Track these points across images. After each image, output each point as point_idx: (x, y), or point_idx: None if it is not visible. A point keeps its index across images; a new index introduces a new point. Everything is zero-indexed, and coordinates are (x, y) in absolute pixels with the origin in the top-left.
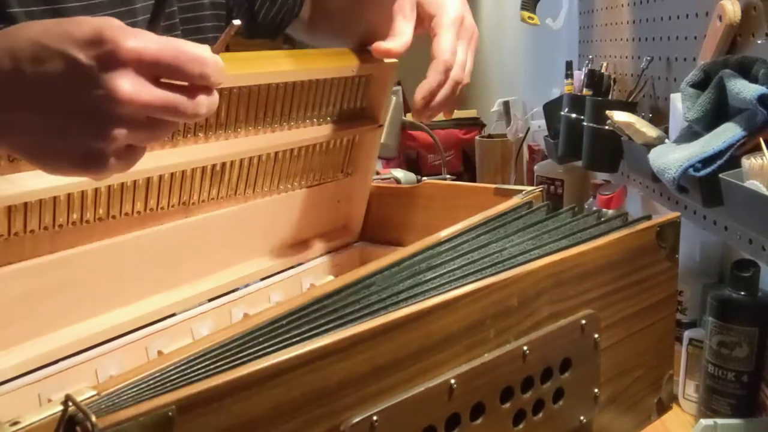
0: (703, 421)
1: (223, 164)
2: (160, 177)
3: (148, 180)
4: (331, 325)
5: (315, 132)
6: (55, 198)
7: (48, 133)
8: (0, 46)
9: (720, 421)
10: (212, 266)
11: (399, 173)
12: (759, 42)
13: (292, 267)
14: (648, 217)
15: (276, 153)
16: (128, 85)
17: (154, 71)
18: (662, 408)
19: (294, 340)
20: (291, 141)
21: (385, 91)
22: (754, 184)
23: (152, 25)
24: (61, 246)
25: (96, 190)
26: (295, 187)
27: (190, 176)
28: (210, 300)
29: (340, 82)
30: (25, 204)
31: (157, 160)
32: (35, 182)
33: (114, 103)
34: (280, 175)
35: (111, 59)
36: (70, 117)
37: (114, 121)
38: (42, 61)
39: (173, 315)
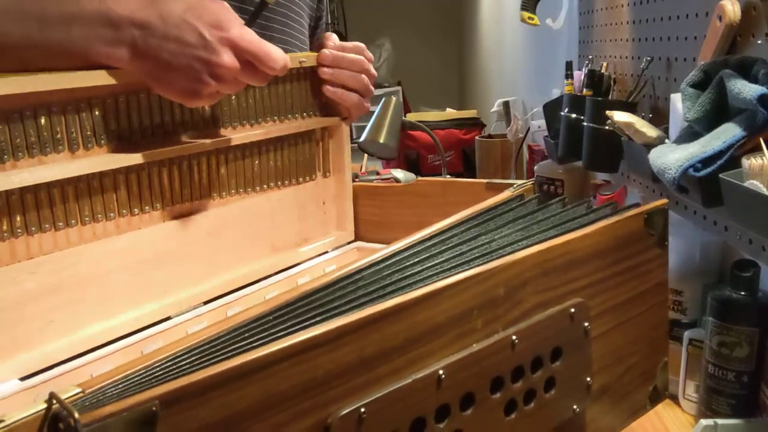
0: (703, 422)
1: (191, 163)
2: (145, 175)
3: (128, 181)
4: (317, 319)
5: (274, 128)
6: (46, 195)
7: (170, 70)
8: (155, 11)
9: (720, 421)
10: (208, 269)
11: (399, 173)
12: (759, 42)
13: (288, 268)
14: (636, 205)
15: (243, 151)
16: (228, 57)
17: (243, 54)
18: (657, 397)
19: (280, 334)
20: (250, 135)
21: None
22: (754, 184)
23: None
24: (53, 248)
25: (64, 191)
26: (273, 188)
27: (169, 174)
28: (206, 302)
29: (293, 77)
30: (8, 201)
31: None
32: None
33: (215, 65)
34: (253, 175)
35: (223, 39)
36: (188, 65)
37: (212, 75)
38: (181, 28)
39: (169, 318)
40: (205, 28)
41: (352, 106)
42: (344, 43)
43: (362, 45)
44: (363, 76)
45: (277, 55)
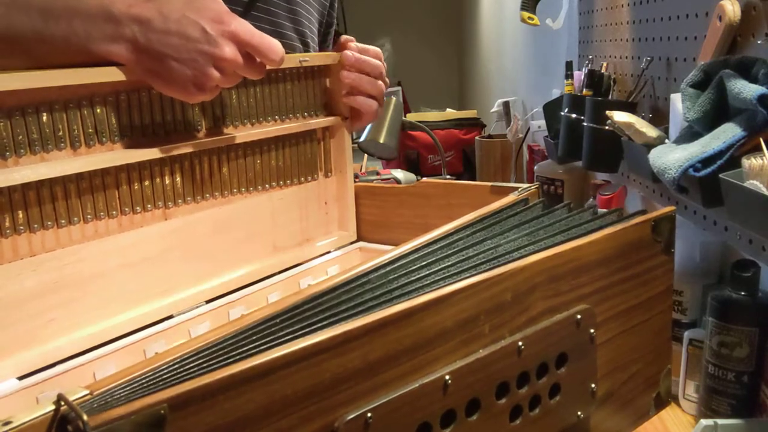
0: (704, 422)
1: (192, 162)
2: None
3: (130, 180)
4: (324, 323)
5: (276, 127)
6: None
7: (172, 65)
8: (155, 7)
9: (720, 421)
10: (209, 268)
11: (399, 174)
12: (759, 42)
13: (290, 268)
14: (643, 212)
15: (245, 150)
16: (230, 49)
17: (244, 47)
18: (660, 403)
19: (287, 338)
20: (252, 134)
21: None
22: (754, 184)
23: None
24: (55, 246)
25: (66, 188)
26: (275, 187)
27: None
28: (208, 302)
29: (294, 76)
30: (10, 198)
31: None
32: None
33: (219, 59)
34: (255, 174)
35: (225, 32)
36: (191, 59)
37: (216, 68)
38: (182, 23)
39: (171, 317)
40: (206, 22)
41: (371, 114)
42: (366, 47)
43: (380, 50)
44: (380, 82)
45: (276, 47)
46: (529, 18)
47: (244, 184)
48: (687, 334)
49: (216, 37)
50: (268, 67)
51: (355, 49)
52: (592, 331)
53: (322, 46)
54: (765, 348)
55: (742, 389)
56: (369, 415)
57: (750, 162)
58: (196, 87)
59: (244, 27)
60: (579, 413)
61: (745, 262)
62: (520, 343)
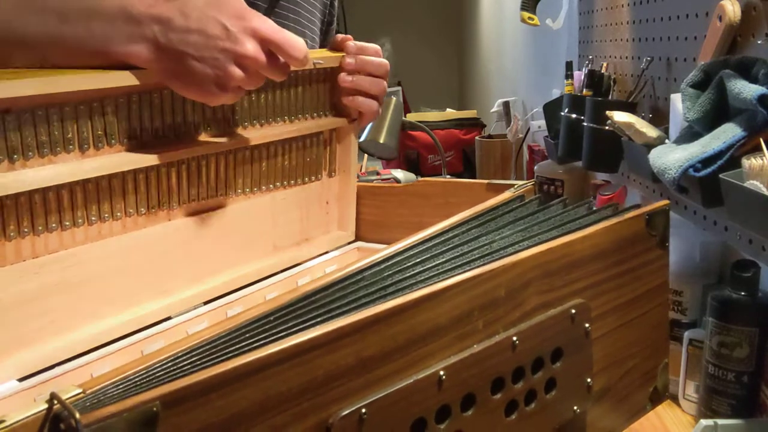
0: (704, 422)
1: (200, 164)
2: (146, 176)
3: (135, 179)
4: (318, 320)
5: (285, 129)
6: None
7: (193, 64)
8: (175, 6)
9: (720, 421)
10: (209, 269)
11: (399, 174)
12: (759, 42)
13: (288, 268)
14: (637, 206)
15: (252, 152)
16: (252, 46)
17: (267, 44)
18: (657, 398)
19: (281, 335)
20: (262, 137)
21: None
22: (754, 184)
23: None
24: (58, 248)
25: (73, 191)
26: (278, 188)
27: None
28: (206, 302)
29: (305, 78)
30: (17, 201)
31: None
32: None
33: (241, 56)
34: (260, 175)
35: (246, 29)
36: (212, 57)
37: (238, 66)
38: (202, 21)
39: (169, 318)
40: (227, 19)
41: (371, 114)
42: (364, 45)
43: (379, 47)
44: (384, 81)
45: (300, 45)
46: (529, 18)
47: (249, 185)
48: (687, 334)
49: (237, 33)
50: (291, 68)
51: (353, 49)
52: (587, 325)
53: (323, 45)
54: (765, 348)
55: (742, 389)
56: (363, 411)
57: (750, 162)
58: (218, 87)
59: (266, 24)
60: (575, 408)
61: (745, 262)
62: (514, 338)
